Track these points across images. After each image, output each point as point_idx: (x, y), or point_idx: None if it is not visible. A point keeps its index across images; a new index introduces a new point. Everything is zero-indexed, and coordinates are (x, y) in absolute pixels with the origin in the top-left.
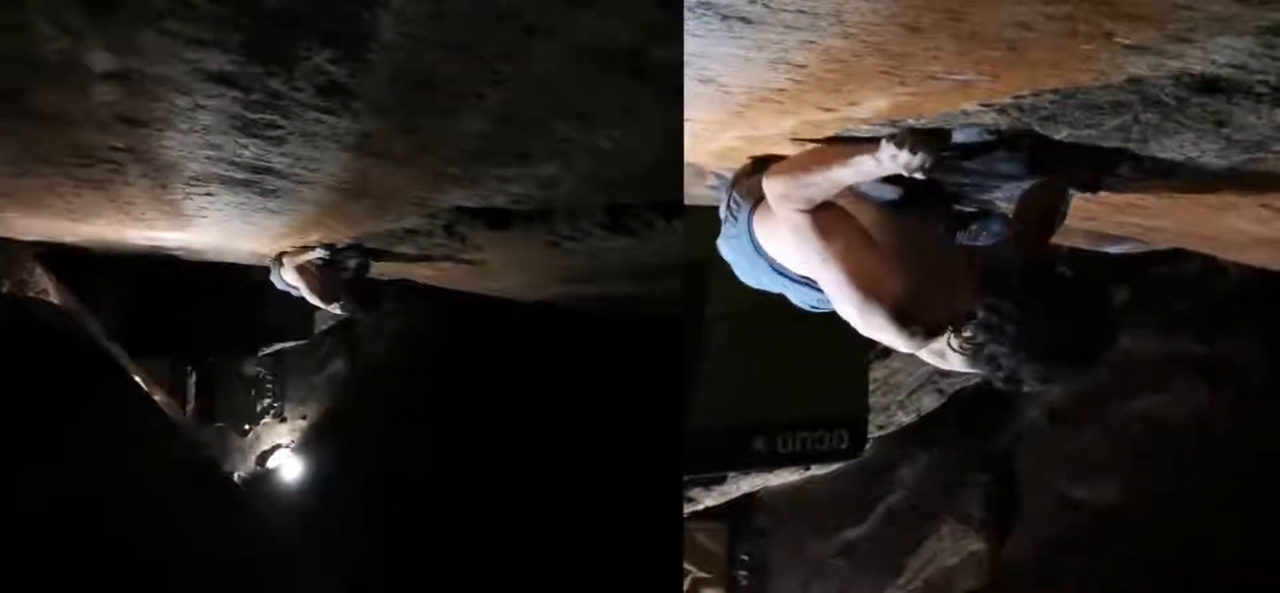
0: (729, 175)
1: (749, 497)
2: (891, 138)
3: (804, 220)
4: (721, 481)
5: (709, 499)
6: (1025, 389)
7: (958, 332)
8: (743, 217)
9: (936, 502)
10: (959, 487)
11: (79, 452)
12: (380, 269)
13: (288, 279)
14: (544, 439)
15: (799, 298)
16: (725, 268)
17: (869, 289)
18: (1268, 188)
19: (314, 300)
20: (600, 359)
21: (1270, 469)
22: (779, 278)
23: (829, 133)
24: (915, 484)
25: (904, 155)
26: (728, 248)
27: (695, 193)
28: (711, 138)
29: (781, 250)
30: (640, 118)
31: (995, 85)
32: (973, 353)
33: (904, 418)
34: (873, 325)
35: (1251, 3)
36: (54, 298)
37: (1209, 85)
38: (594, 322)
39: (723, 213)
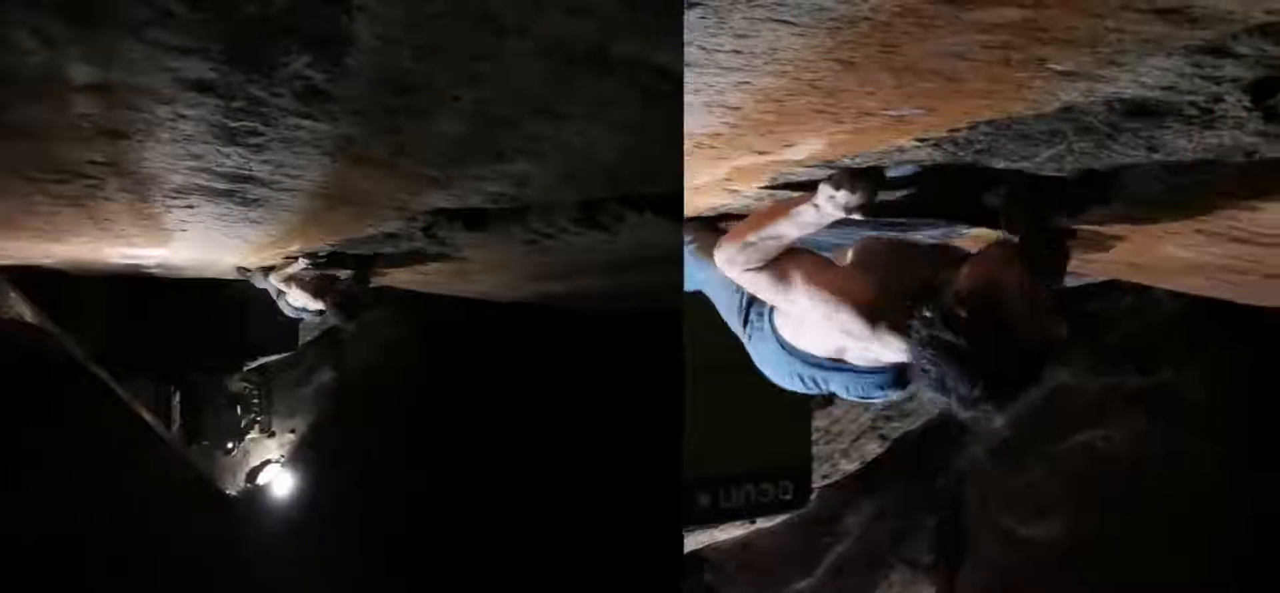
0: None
1: (694, 554)
2: (828, 180)
3: (757, 275)
4: None
5: None
6: (954, 404)
7: (912, 315)
8: (766, 319)
9: (884, 548)
10: (906, 532)
11: (65, 477)
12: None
13: (276, 285)
14: (538, 441)
15: (844, 388)
16: None
17: (834, 298)
18: (1202, 212)
19: (307, 301)
20: (595, 356)
21: (1214, 497)
22: (816, 370)
23: (764, 178)
24: (862, 532)
25: (842, 195)
26: (758, 354)
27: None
28: None
29: (812, 339)
30: (609, 114)
31: (930, 119)
32: (919, 344)
33: (848, 466)
34: (842, 327)
35: (1180, 23)
36: (31, 321)
37: (1140, 109)
38: (584, 320)
39: (738, 323)
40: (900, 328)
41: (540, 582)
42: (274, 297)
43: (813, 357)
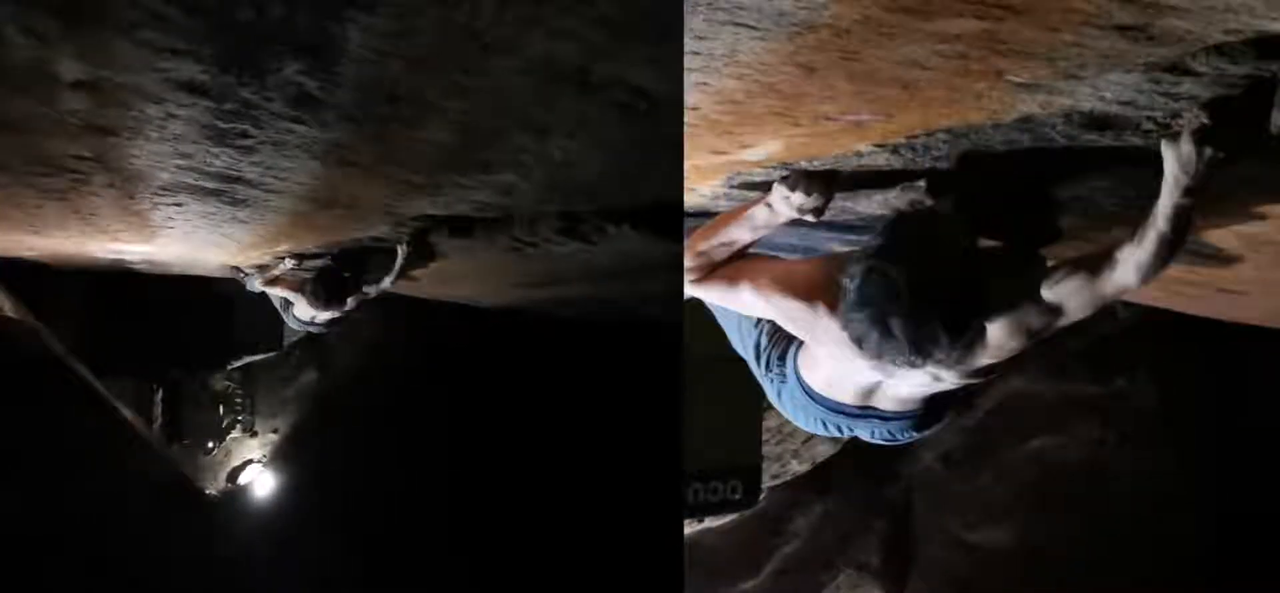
0: None
1: None
2: (783, 180)
3: (707, 283)
4: None
5: None
6: (899, 348)
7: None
8: (789, 365)
9: (833, 551)
10: (855, 535)
11: (42, 474)
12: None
13: (264, 289)
14: (525, 445)
15: (869, 433)
16: None
17: (776, 288)
18: None
19: (298, 302)
20: (583, 362)
21: (1165, 507)
22: (842, 417)
23: (720, 178)
24: (811, 534)
25: (798, 197)
26: (782, 401)
27: None
28: None
29: (826, 382)
30: (589, 131)
31: (888, 126)
32: (855, 293)
33: (798, 467)
34: (787, 316)
35: (1139, 40)
36: (10, 313)
37: (1098, 122)
38: (570, 325)
39: (761, 372)
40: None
41: (535, 585)
42: (280, 309)
43: (839, 404)
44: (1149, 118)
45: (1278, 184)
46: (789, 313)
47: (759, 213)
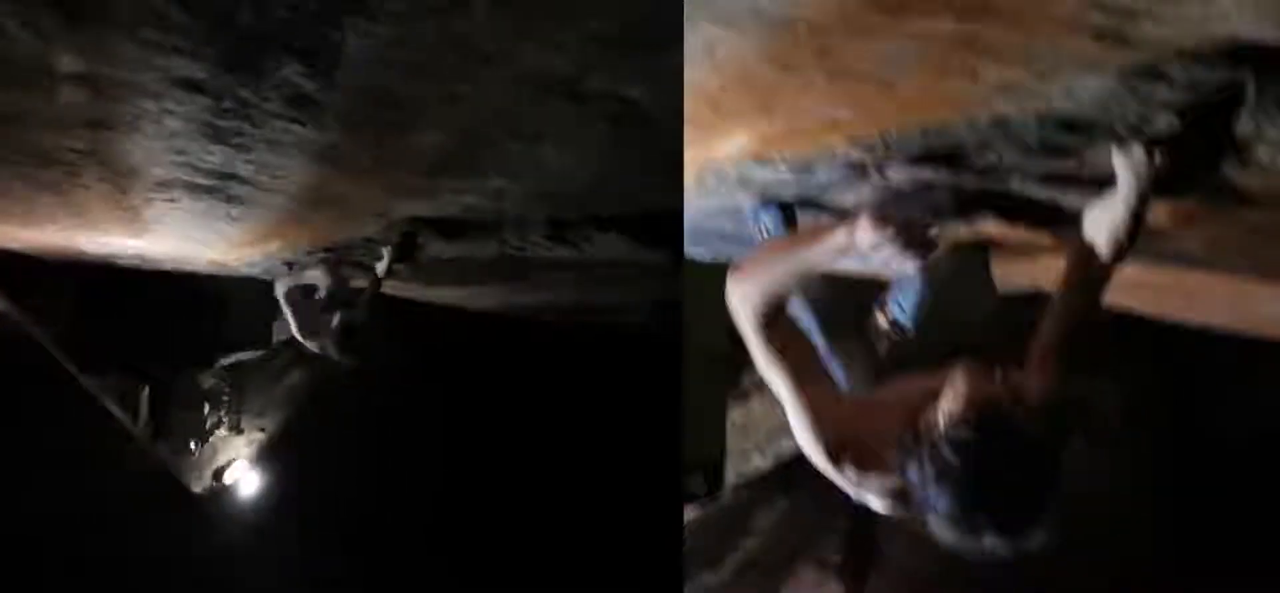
0: None
1: None
2: (878, 217)
3: (759, 331)
4: None
5: None
6: (969, 539)
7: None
8: None
9: (795, 547)
10: (817, 532)
11: (27, 471)
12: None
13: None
14: (515, 447)
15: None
16: None
17: (808, 411)
18: None
19: (293, 327)
20: (579, 365)
21: (1125, 506)
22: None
23: (692, 171)
24: (773, 529)
25: (887, 251)
26: None
27: None
28: None
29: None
30: (578, 140)
31: (863, 122)
32: (925, 480)
33: (761, 462)
34: (804, 444)
35: (1114, 45)
36: None
37: (1070, 125)
38: (568, 328)
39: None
40: (867, 464)
41: (534, 584)
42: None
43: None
44: (1122, 121)
45: (1239, 188)
46: (806, 446)
47: (838, 237)
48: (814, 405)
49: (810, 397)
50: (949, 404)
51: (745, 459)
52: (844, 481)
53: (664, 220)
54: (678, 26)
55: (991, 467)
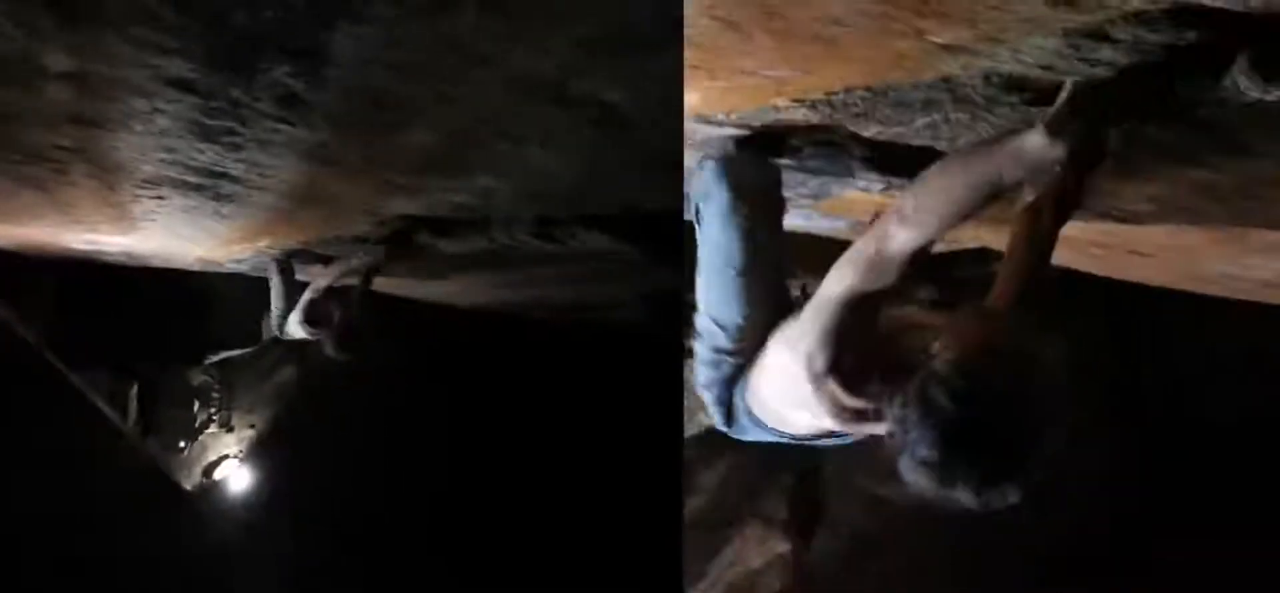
0: None
1: None
2: (1051, 119)
3: (896, 266)
4: None
5: None
6: (962, 493)
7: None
8: (739, 401)
9: (740, 504)
10: (762, 488)
11: (16, 469)
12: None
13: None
14: (509, 445)
15: (833, 444)
16: None
17: (848, 325)
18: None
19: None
20: (575, 362)
21: (1070, 461)
22: (809, 445)
23: None
24: (717, 487)
25: (1059, 148)
26: (751, 437)
27: None
28: None
29: (792, 418)
30: (563, 141)
31: (808, 81)
32: (911, 429)
33: (705, 419)
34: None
35: (1059, 6)
36: None
37: (1017, 85)
38: (566, 326)
39: (719, 417)
40: (854, 388)
41: (531, 584)
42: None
43: (802, 438)
44: (1068, 81)
45: (1187, 149)
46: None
47: (1026, 149)
48: (858, 312)
49: (860, 301)
50: (948, 348)
51: (688, 417)
52: (819, 396)
53: (662, 220)
54: (669, 31)
55: (985, 419)
